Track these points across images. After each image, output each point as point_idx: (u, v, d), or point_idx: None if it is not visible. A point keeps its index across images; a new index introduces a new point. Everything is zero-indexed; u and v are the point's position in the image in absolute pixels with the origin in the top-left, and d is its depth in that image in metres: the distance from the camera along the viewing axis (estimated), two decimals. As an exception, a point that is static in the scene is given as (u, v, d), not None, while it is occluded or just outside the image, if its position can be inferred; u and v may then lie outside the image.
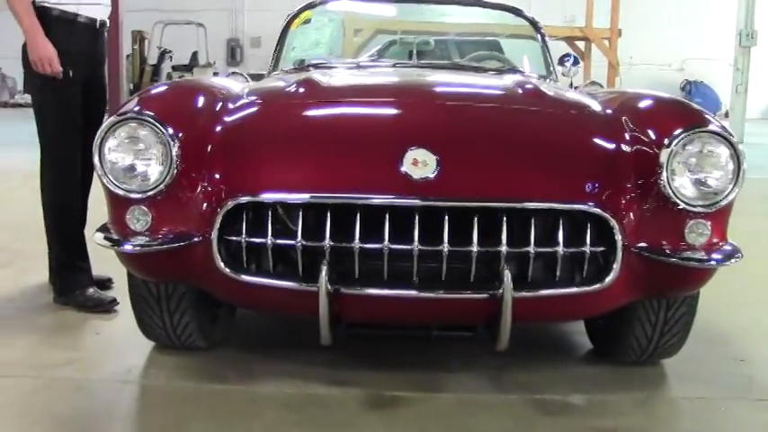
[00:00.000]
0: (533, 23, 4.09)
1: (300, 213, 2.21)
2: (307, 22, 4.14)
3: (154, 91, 2.59)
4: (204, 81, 3.04)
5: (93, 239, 2.33)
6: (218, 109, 2.48)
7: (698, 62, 19.80)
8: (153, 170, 2.24)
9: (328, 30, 4.20)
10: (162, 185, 2.23)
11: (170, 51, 17.22)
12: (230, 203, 2.23)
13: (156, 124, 2.23)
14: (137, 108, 2.29)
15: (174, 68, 17.00)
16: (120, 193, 2.24)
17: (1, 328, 3.01)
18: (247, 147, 2.37)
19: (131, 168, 2.25)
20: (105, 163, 2.24)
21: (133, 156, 2.25)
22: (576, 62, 4.14)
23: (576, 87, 3.86)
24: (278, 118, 2.54)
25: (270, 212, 2.23)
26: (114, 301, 3.23)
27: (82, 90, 3.27)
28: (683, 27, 19.30)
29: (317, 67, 3.45)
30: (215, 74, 14.24)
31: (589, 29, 11.44)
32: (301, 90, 2.67)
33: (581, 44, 11.77)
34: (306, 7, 4.14)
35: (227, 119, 2.44)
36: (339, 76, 3.15)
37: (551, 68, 3.91)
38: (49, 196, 3.25)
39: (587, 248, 2.20)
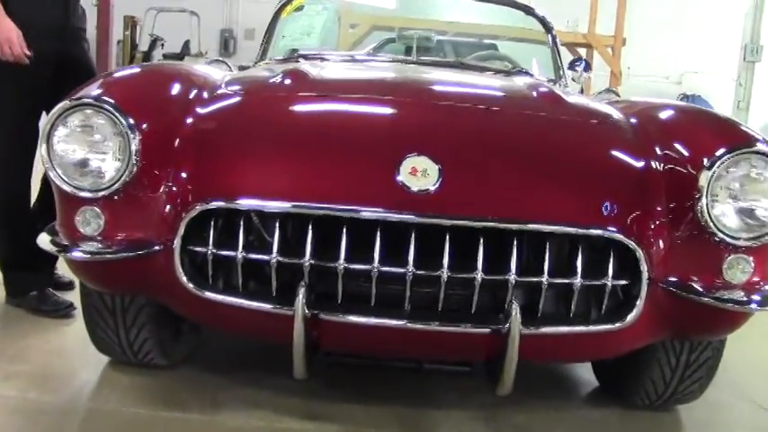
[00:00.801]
0: (544, 23, 3.79)
1: (277, 225, 1.91)
2: (299, 8, 3.83)
3: (118, 74, 2.27)
4: (179, 66, 2.72)
5: (38, 241, 2.01)
6: (191, 98, 2.16)
7: (697, 76, 19.56)
8: (108, 166, 1.92)
9: (322, 18, 3.88)
10: (118, 184, 1.91)
11: (162, 39, 16.82)
12: (198, 208, 1.92)
13: (115, 113, 1.91)
14: (95, 92, 1.97)
15: (165, 56, 16.59)
16: (69, 190, 1.92)
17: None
18: (221, 143, 2.06)
19: (83, 163, 1.93)
20: (54, 154, 1.92)
21: (87, 148, 1.93)
22: (587, 67, 3.85)
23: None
24: (258, 112, 2.22)
25: (242, 221, 1.92)
26: (71, 306, 2.91)
27: (57, 70, 2.91)
28: (684, 40, 19.06)
29: (307, 58, 3.12)
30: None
31: (592, 35, 11.13)
32: (287, 82, 2.35)
33: (582, 51, 11.49)
34: (299, -8, 3.82)
35: (200, 110, 2.12)
36: (331, 69, 2.83)
37: (561, 72, 3.61)
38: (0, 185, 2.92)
39: (608, 281, 1.90)
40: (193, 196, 1.94)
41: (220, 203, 1.92)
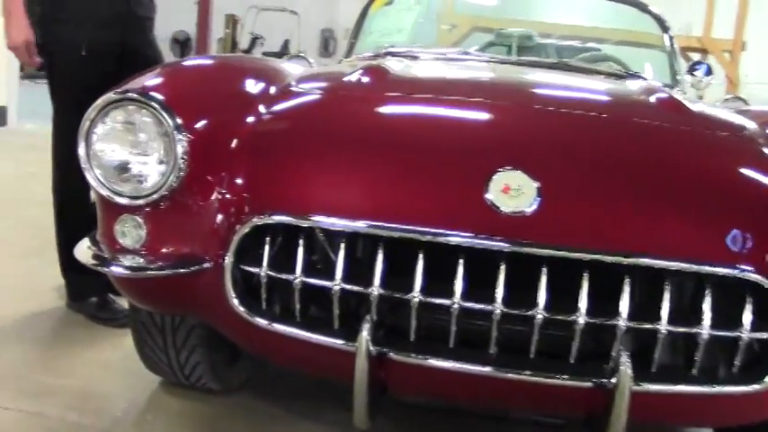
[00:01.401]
0: (660, 21, 3.39)
1: (343, 245, 1.62)
2: (389, 3, 3.55)
3: (173, 66, 2.04)
4: (247, 59, 2.49)
5: (75, 251, 1.79)
6: (255, 94, 1.91)
7: (819, 86, 18.39)
8: (151, 170, 1.68)
9: (413, 14, 3.57)
10: (162, 190, 1.66)
11: (262, 37, 16.93)
12: (254, 221, 1.65)
13: (161, 111, 1.66)
14: (141, 86, 1.74)
15: (265, 55, 16.69)
16: (107, 195, 1.69)
17: (-8, 339, 2.53)
18: (285, 147, 1.79)
19: (124, 165, 1.69)
20: (92, 154, 1.70)
21: (128, 149, 1.69)
22: (708, 72, 3.43)
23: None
24: (329, 113, 1.93)
25: (302, 240, 1.65)
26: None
27: (120, 63, 2.71)
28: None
29: (395, 55, 2.83)
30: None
31: (708, 39, 10.44)
32: (365, 80, 2.07)
33: (695, 57, 10.85)
34: (389, -15, 3.54)
35: (264, 108, 1.86)
36: (416, 67, 2.52)
37: (678, 77, 3.21)
38: (58, 184, 2.74)
39: (744, 332, 1.53)
40: (250, 207, 1.68)
41: (281, 217, 1.64)
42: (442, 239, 1.55)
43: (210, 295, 1.72)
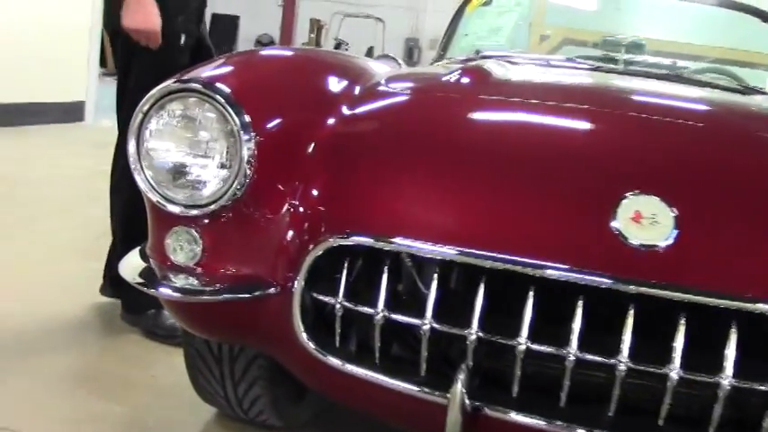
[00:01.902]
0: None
1: (436, 277, 1.33)
2: (487, 3, 3.25)
3: (243, 56, 1.79)
4: (331, 54, 2.21)
5: (120, 266, 1.54)
6: (337, 93, 1.64)
7: None
8: (211, 175, 1.41)
9: (513, 16, 3.26)
10: (223, 200, 1.39)
11: (346, 44, 16.84)
12: (330, 242, 1.37)
13: (227, 106, 1.40)
14: (207, 75, 1.48)
15: (349, 59, 16.62)
16: (157, 201, 1.44)
17: (39, 348, 2.31)
18: (373, 155, 1.51)
19: (179, 168, 1.43)
20: (143, 152, 1.44)
21: (185, 149, 1.43)
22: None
23: None
24: (426, 117, 1.63)
25: (386, 266, 1.36)
26: None
27: (193, 56, 2.55)
28: None
29: (492, 59, 2.52)
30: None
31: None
32: (464, 81, 1.77)
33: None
34: (487, -16, 3.24)
35: (347, 109, 1.58)
36: (521, 71, 2.22)
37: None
38: (123, 190, 2.52)
39: None
40: (326, 224, 1.40)
41: (362, 239, 1.36)
42: (554, 275, 1.24)
43: (274, 325, 1.45)
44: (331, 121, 1.55)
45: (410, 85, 1.88)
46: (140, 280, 1.46)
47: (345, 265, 1.39)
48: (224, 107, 1.39)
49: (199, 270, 1.44)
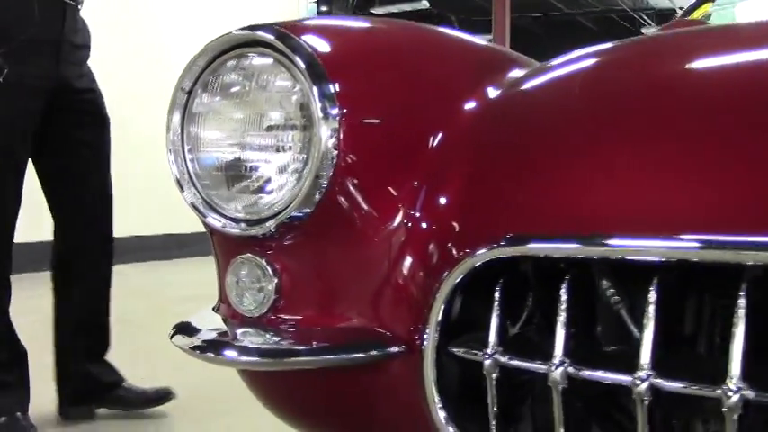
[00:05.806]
0: None
1: (654, 294, 0.77)
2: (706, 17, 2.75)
3: (340, 19, 1.34)
4: (454, 34, 1.70)
5: (174, 342, 1.03)
6: (477, 73, 1.12)
7: None
8: (283, 175, 0.92)
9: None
10: (300, 210, 0.89)
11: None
12: (481, 255, 0.84)
13: (306, 72, 0.90)
14: (281, 30, 0.98)
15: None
16: (203, 210, 0.96)
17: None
18: (528, 150, 0.96)
19: (235, 163, 0.95)
20: (188, 138, 0.97)
21: (244, 136, 0.95)
22: None
23: None
24: (612, 76, 1.06)
25: (566, 285, 0.81)
26: None
27: (50, 102, 2.09)
28: None
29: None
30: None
31: None
32: (653, 39, 1.24)
33: None
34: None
35: (495, 94, 1.05)
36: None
37: None
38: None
39: None
40: (465, 240, 0.88)
41: (550, 246, 0.81)
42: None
43: (394, 402, 0.92)
44: (470, 105, 1.03)
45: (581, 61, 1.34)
46: (193, 342, 0.96)
47: (498, 291, 0.85)
48: (303, 72, 0.91)
49: (273, 321, 0.94)
